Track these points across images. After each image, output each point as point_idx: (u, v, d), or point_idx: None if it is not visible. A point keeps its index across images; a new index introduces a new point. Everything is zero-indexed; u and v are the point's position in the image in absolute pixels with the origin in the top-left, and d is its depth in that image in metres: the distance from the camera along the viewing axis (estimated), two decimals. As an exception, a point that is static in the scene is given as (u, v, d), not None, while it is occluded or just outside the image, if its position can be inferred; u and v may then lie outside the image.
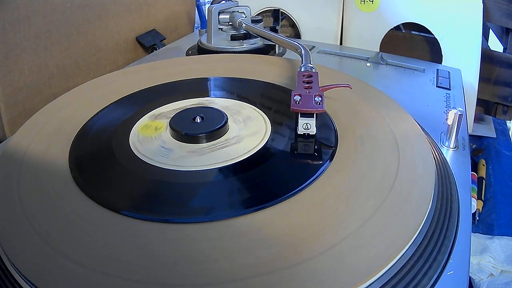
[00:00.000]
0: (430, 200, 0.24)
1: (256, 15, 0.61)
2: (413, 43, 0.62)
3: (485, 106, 0.63)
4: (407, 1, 0.56)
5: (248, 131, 0.31)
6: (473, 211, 0.47)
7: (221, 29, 0.53)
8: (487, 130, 0.62)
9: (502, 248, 0.42)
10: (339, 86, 0.33)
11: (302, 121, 0.29)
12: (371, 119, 0.32)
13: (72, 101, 0.37)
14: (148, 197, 0.26)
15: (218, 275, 0.20)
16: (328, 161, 0.27)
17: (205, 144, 0.30)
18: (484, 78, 0.56)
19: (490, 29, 0.69)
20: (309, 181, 0.25)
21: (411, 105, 0.37)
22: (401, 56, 0.53)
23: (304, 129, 0.29)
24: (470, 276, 0.34)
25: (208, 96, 0.37)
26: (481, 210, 0.48)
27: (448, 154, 0.34)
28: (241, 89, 0.38)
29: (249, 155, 0.28)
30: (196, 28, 0.76)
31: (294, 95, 0.29)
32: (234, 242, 0.22)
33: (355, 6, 0.59)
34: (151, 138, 0.31)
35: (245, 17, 0.52)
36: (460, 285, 0.22)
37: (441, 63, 0.55)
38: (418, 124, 0.32)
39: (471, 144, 0.60)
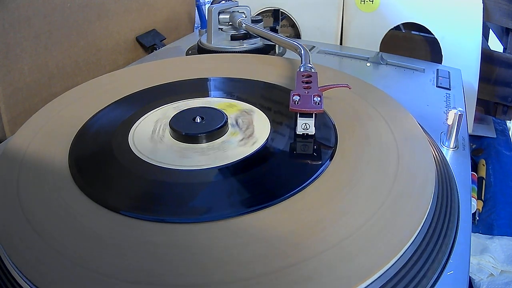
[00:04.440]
0: (430, 200, 0.24)
1: (256, 15, 0.61)
2: (413, 43, 0.62)
3: (485, 106, 0.63)
4: (407, 1, 0.56)
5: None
6: (473, 211, 0.46)
7: (221, 29, 0.53)
8: (487, 130, 0.63)
9: (502, 248, 0.42)
10: (338, 86, 0.33)
11: (301, 121, 0.29)
12: (371, 118, 0.32)
13: (72, 101, 0.37)
14: (148, 196, 0.26)
15: (218, 275, 0.20)
16: (328, 161, 0.27)
17: (205, 144, 0.30)
18: (484, 78, 0.56)
19: (490, 29, 0.69)
20: (308, 181, 0.25)
21: (411, 105, 0.37)
22: (401, 56, 0.53)
23: (303, 129, 0.29)
24: (470, 276, 0.34)
25: (208, 96, 0.37)
26: (481, 210, 0.48)
27: (448, 154, 0.34)
28: (241, 89, 0.38)
29: (248, 154, 0.28)
30: (196, 28, 0.76)
31: (293, 95, 0.29)
32: (234, 242, 0.22)
33: (355, 6, 0.59)
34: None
35: (245, 17, 0.51)
36: (460, 285, 0.22)
37: (441, 63, 0.55)
38: (418, 124, 0.32)
39: (471, 144, 0.60)
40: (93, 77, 0.42)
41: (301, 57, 0.38)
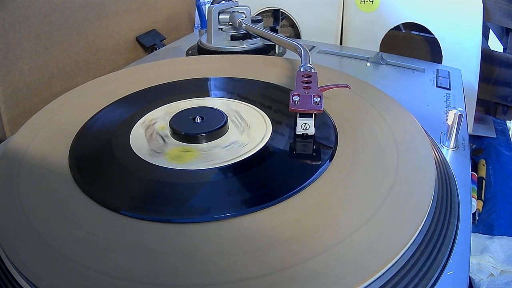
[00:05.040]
0: (430, 200, 0.24)
1: (256, 15, 0.61)
2: (413, 43, 0.62)
3: (485, 106, 0.63)
4: (407, 1, 0.56)
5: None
6: (473, 211, 0.46)
7: (221, 29, 0.53)
8: (487, 130, 0.62)
9: (502, 248, 0.42)
10: (338, 86, 0.33)
11: (300, 121, 0.29)
12: (371, 118, 0.32)
13: (72, 101, 0.37)
14: (148, 196, 0.26)
15: (218, 275, 0.20)
16: (328, 161, 0.27)
17: (205, 144, 0.30)
18: (484, 78, 0.56)
19: (490, 29, 0.69)
20: (308, 181, 0.25)
21: (411, 105, 0.37)
22: (401, 56, 0.53)
23: (303, 129, 0.29)
24: (470, 276, 0.34)
25: (208, 96, 0.37)
26: (481, 210, 0.48)
27: (448, 154, 0.34)
28: (241, 89, 0.38)
29: (249, 155, 0.28)
30: (196, 28, 0.76)
31: (293, 95, 0.29)
32: (234, 242, 0.22)
33: (355, 6, 0.59)
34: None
35: (245, 17, 0.51)
36: (460, 285, 0.22)
37: (441, 63, 0.55)
38: (418, 124, 0.32)
39: (471, 144, 0.60)
40: (93, 77, 0.42)
41: (301, 57, 0.38)
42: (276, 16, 0.61)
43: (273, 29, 0.50)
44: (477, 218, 0.47)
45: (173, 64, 0.44)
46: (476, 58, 0.54)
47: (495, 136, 0.61)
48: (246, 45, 0.51)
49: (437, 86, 0.46)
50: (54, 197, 0.25)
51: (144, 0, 0.62)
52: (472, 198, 0.30)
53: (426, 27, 0.56)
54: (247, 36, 0.51)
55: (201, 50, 0.52)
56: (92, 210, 0.24)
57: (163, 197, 0.26)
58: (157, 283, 0.19)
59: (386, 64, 0.51)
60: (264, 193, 0.25)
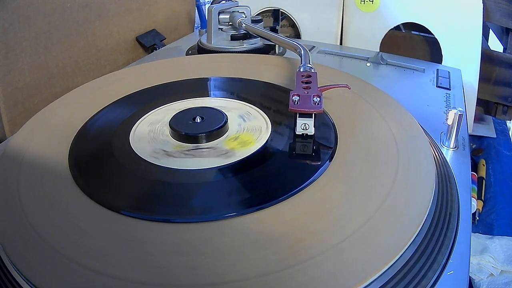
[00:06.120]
0: (430, 200, 0.24)
1: (256, 15, 0.61)
2: (413, 43, 0.62)
3: (485, 106, 0.63)
4: (407, 1, 0.56)
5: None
6: (473, 211, 0.46)
7: (221, 29, 0.53)
8: (487, 130, 0.62)
9: (502, 248, 0.42)
10: (338, 87, 0.33)
11: (300, 121, 0.29)
12: (371, 118, 0.32)
13: (72, 101, 0.37)
14: (147, 197, 0.26)
15: (217, 275, 0.20)
16: (328, 161, 0.27)
17: (204, 144, 0.30)
18: (484, 78, 0.56)
19: (490, 29, 0.69)
20: (308, 181, 0.25)
21: (411, 105, 0.37)
22: (401, 56, 0.53)
23: (302, 129, 0.29)
24: (470, 276, 0.34)
25: (208, 96, 0.37)
26: (481, 210, 0.48)
27: (448, 154, 0.34)
28: (241, 89, 0.38)
29: (248, 155, 0.28)
30: (196, 28, 0.76)
31: (293, 95, 0.29)
32: (233, 243, 0.22)
33: (355, 6, 0.59)
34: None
35: (245, 17, 0.51)
36: (460, 285, 0.22)
37: (441, 63, 0.55)
38: (418, 124, 0.32)
39: (471, 144, 0.60)
40: (93, 77, 0.42)
41: (301, 57, 0.38)
42: (276, 16, 0.61)
43: (273, 29, 0.50)
44: (477, 218, 0.47)
45: (173, 64, 0.44)
46: (476, 58, 0.54)
47: (495, 136, 0.61)
48: (246, 45, 0.51)
49: (437, 86, 0.46)
50: (54, 197, 0.25)
51: (144, 0, 0.62)
52: (472, 198, 0.30)
53: (426, 27, 0.56)
54: (247, 36, 0.51)
55: (201, 50, 0.52)
56: (91, 210, 0.24)
57: (162, 197, 0.26)
58: (157, 283, 0.19)
59: (386, 64, 0.51)
60: (263, 193, 0.25)
